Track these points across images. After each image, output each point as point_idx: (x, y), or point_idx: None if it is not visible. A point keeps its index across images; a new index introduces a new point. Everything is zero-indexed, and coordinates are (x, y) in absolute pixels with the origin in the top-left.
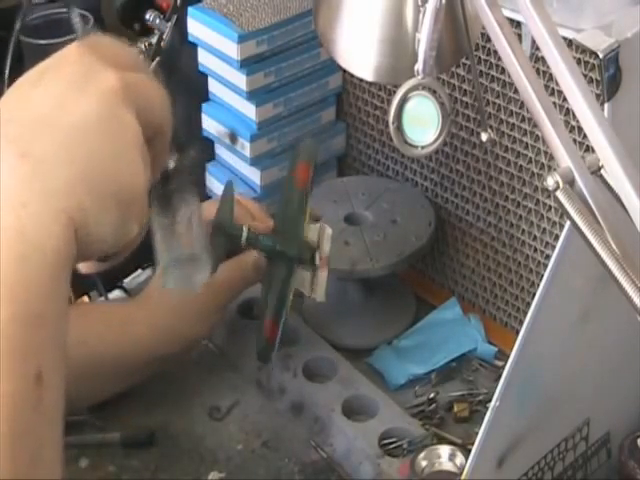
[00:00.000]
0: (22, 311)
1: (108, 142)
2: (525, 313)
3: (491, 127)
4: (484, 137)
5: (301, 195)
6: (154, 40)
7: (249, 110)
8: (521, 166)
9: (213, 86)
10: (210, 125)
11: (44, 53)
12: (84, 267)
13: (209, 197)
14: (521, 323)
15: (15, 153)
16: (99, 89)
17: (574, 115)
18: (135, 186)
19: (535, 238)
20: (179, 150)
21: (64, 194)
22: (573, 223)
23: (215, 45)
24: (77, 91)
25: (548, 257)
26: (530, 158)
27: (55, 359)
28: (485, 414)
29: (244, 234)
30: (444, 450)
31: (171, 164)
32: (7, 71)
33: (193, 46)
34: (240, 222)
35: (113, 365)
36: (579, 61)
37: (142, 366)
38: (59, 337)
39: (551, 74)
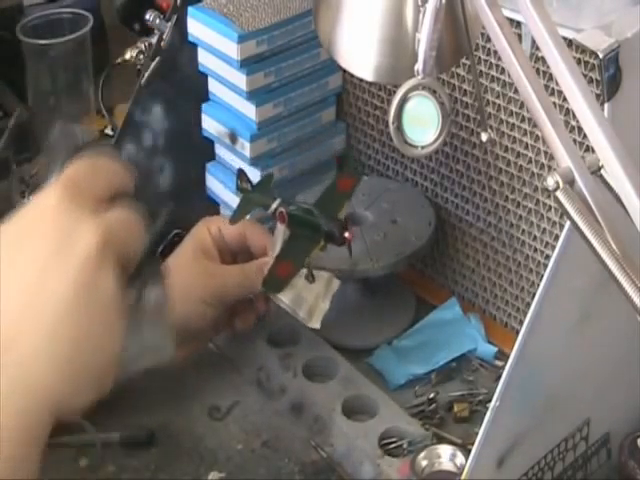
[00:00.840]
0: None
1: (89, 323)
2: (525, 313)
3: (491, 127)
4: (484, 137)
5: (342, 196)
6: (154, 40)
7: (249, 110)
8: (521, 166)
9: (213, 86)
10: (210, 125)
11: (44, 53)
12: None
13: (209, 197)
14: (521, 323)
15: (4, 340)
16: (78, 256)
17: (574, 115)
18: (111, 358)
19: (535, 238)
20: (149, 226)
21: (47, 392)
22: (573, 223)
23: (215, 45)
24: (57, 264)
25: (548, 257)
26: (530, 158)
27: None
28: (485, 414)
29: (276, 202)
30: (444, 450)
31: (142, 250)
32: None
33: (193, 46)
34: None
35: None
36: (579, 61)
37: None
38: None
39: (551, 74)
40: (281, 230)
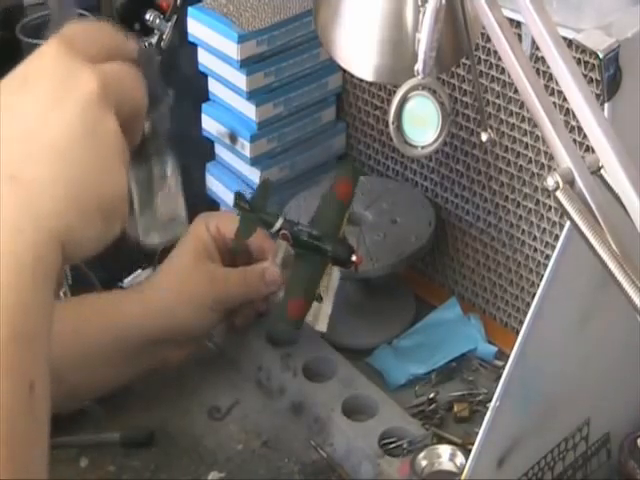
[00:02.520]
0: (19, 332)
1: (92, 156)
2: (525, 313)
3: (491, 127)
4: (484, 137)
5: (341, 204)
6: (154, 40)
7: (249, 110)
8: (521, 166)
9: (213, 86)
10: (210, 125)
11: None
12: None
13: (209, 197)
14: (521, 323)
15: (5, 176)
16: (79, 97)
17: (574, 115)
18: (118, 194)
19: (535, 238)
20: (153, 107)
21: (55, 217)
22: (573, 223)
23: (215, 45)
24: (58, 103)
25: (548, 257)
26: (530, 158)
27: (44, 371)
28: (485, 414)
29: (279, 221)
30: (444, 450)
31: (147, 127)
32: None
33: (193, 46)
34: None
35: (110, 350)
36: (579, 61)
37: (138, 351)
38: (46, 351)
39: (551, 74)
40: (283, 243)
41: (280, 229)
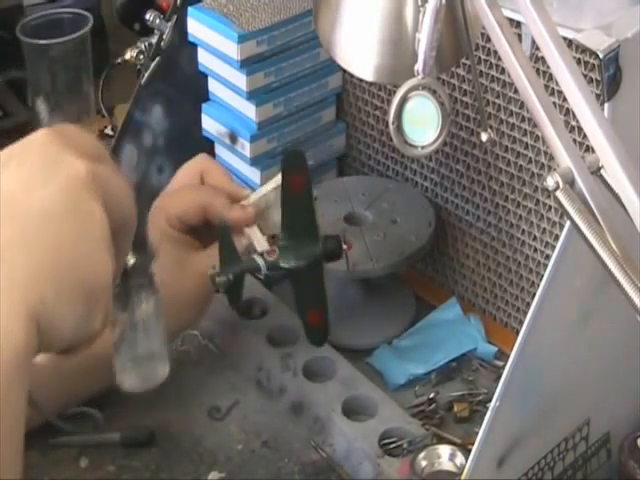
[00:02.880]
0: None
1: (74, 232)
2: (525, 313)
3: (491, 127)
4: (484, 137)
5: (302, 199)
6: (154, 40)
7: (249, 110)
8: (521, 166)
9: (213, 86)
10: (210, 125)
11: (44, 53)
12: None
13: None
14: (521, 323)
15: None
16: (66, 176)
17: (574, 115)
18: (100, 278)
19: (535, 238)
20: (138, 246)
21: (26, 285)
22: (573, 223)
23: (215, 45)
24: (44, 176)
25: (548, 257)
26: (530, 158)
27: (9, 453)
28: (485, 414)
29: (261, 265)
30: (444, 450)
31: (130, 260)
32: None
33: (193, 46)
34: (218, 210)
35: (106, 361)
36: (579, 61)
37: None
38: (13, 432)
39: (551, 74)
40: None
41: (266, 271)
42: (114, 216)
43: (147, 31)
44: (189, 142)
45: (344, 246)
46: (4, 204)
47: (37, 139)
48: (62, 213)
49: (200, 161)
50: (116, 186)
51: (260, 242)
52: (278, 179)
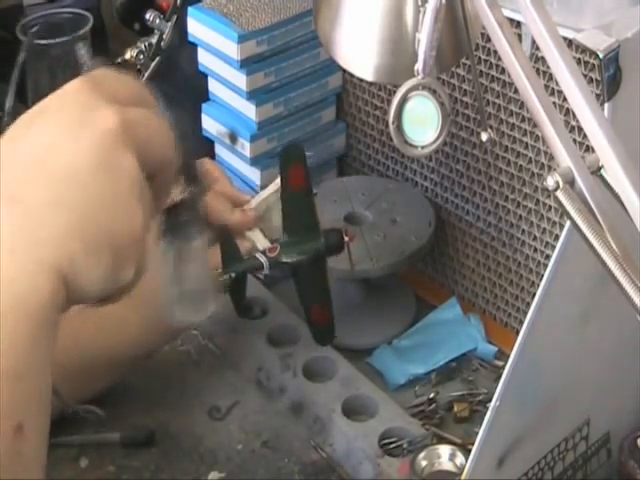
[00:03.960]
0: (3, 367)
1: (102, 188)
2: (525, 313)
3: (491, 127)
4: (484, 137)
5: (302, 195)
6: (154, 40)
7: (249, 110)
8: (521, 166)
9: (213, 86)
10: (210, 125)
11: (44, 53)
12: None
13: None
14: (521, 323)
15: (5, 197)
16: (96, 130)
17: (574, 115)
18: (131, 232)
19: (535, 238)
20: (189, 181)
21: (53, 244)
22: (573, 223)
23: (215, 45)
24: (73, 133)
25: (548, 257)
26: (530, 158)
27: (36, 410)
28: (485, 414)
29: (264, 262)
30: (444, 450)
31: (179, 195)
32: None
33: (193, 46)
34: (219, 213)
35: (106, 364)
36: (579, 61)
37: (133, 360)
38: (41, 388)
39: (551, 74)
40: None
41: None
42: (149, 159)
43: (147, 31)
44: (189, 142)
45: (345, 238)
46: (34, 163)
47: (72, 89)
48: (91, 170)
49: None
50: (151, 129)
51: (263, 245)
52: (278, 181)
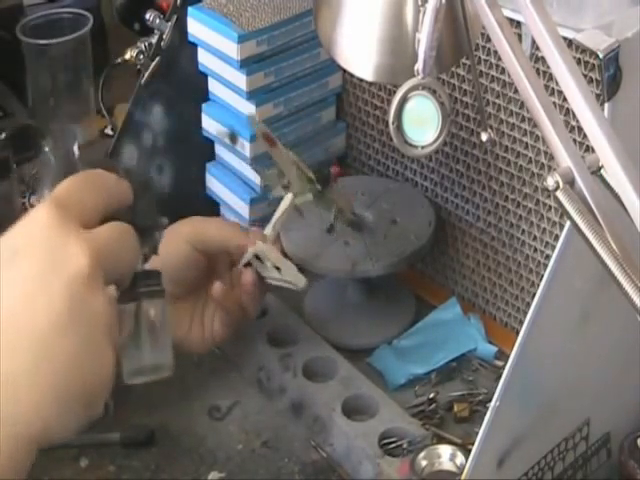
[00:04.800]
0: None
1: (77, 343)
2: (525, 313)
3: (491, 127)
4: (484, 137)
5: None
6: (154, 40)
7: (249, 110)
8: (521, 166)
9: (213, 86)
10: (210, 125)
11: (44, 53)
12: None
13: (209, 197)
14: (521, 323)
15: None
16: (67, 277)
17: (574, 115)
18: (103, 376)
19: (535, 238)
20: (147, 238)
21: (29, 418)
22: (573, 223)
23: (215, 45)
24: (45, 283)
25: (548, 257)
26: (530, 158)
27: None
28: (485, 414)
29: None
30: (444, 450)
31: (139, 265)
32: None
33: (193, 46)
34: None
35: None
36: (579, 61)
37: None
38: None
39: (551, 74)
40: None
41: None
42: (119, 270)
43: (147, 31)
44: (189, 142)
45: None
46: (11, 329)
47: (39, 221)
48: (65, 324)
49: (190, 224)
50: (119, 245)
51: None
52: (286, 201)
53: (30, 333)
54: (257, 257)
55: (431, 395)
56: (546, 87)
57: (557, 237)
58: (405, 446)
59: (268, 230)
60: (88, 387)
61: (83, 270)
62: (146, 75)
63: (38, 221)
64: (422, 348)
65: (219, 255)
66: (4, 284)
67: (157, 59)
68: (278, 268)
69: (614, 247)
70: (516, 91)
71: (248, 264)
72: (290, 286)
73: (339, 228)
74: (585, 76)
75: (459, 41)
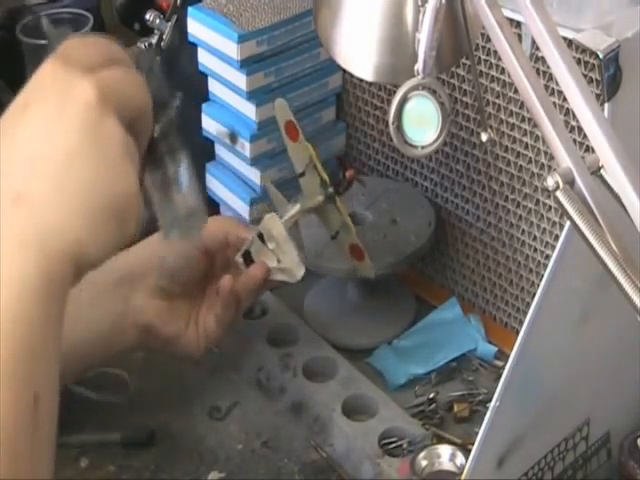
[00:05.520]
0: (23, 345)
1: (96, 161)
2: (525, 313)
3: (491, 127)
4: (484, 137)
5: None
6: (154, 40)
7: (249, 110)
8: (521, 166)
9: (213, 86)
10: (210, 125)
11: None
12: None
13: (209, 197)
14: (521, 323)
15: (11, 195)
16: (78, 108)
17: (574, 115)
18: (128, 193)
19: (535, 238)
20: (161, 110)
21: (61, 232)
22: (573, 223)
23: (215, 45)
24: (59, 118)
25: (548, 257)
26: (530, 158)
27: (50, 385)
28: (485, 414)
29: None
30: (444, 450)
31: (156, 130)
32: None
33: (193, 46)
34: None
35: (119, 326)
36: (579, 61)
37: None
38: (54, 362)
39: (551, 74)
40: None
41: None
42: (129, 111)
43: (147, 31)
44: (189, 142)
45: (347, 173)
46: (33, 157)
47: (46, 72)
48: (83, 148)
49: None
50: (125, 85)
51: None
52: (297, 207)
53: (48, 157)
54: (260, 237)
55: (431, 395)
56: (546, 87)
57: (557, 237)
58: (405, 446)
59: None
60: (114, 201)
61: (91, 99)
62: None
63: (43, 73)
64: (422, 348)
65: (217, 253)
66: (18, 125)
67: (157, 59)
68: (278, 260)
69: (614, 247)
70: (516, 91)
71: (247, 254)
72: (285, 278)
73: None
74: (585, 76)
75: (459, 41)
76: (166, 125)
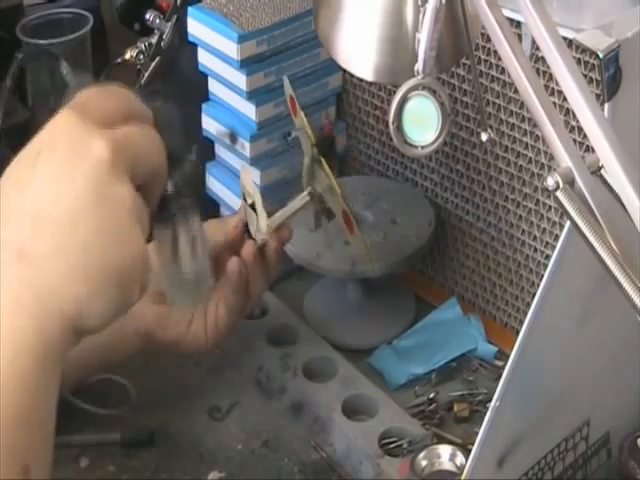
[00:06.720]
0: (15, 412)
1: (103, 223)
2: (525, 313)
3: (491, 127)
4: (484, 137)
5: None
6: (154, 40)
7: (249, 110)
8: (521, 166)
9: (213, 86)
10: (210, 125)
11: (44, 53)
12: None
13: (209, 197)
14: (521, 323)
15: (14, 251)
16: (90, 165)
17: (574, 115)
18: (133, 257)
19: (535, 238)
20: (176, 167)
21: (57, 294)
22: (573, 223)
23: (215, 45)
24: (69, 173)
25: (548, 257)
26: (530, 158)
27: (42, 453)
28: (485, 414)
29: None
30: (444, 450)
31: (169, 187)
32: None
33: (193, 46)
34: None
35: (119, 335)
36: (579, 61)
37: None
38: (46, 430)
39: (551, 74)
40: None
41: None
42: (144, 171)
43: (147, 31)
44: (189, 142)
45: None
46: (38, 215)
47: (61, 122)
48: (90, 209)
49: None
50: (142, 143)
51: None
52: (301, 200)
53: (54, 216)
54: (252, 208)
55: (431, 395)
56: (546, 87)
57: (557, 237)
58: (405, 446)
59: (277, 215)
60: (118, 266)
61: (105, 158)
62: (146, 75)
63: (58, 123)
64: (422, 348)
65: (224, 255)
66: (28, 178)
67: (157, 59)
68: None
69: (614, 247)
70: (516, 91)
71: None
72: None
73: (331, 226)
74: (585, 76)
75: (459, 41)
76: (180, 180)
